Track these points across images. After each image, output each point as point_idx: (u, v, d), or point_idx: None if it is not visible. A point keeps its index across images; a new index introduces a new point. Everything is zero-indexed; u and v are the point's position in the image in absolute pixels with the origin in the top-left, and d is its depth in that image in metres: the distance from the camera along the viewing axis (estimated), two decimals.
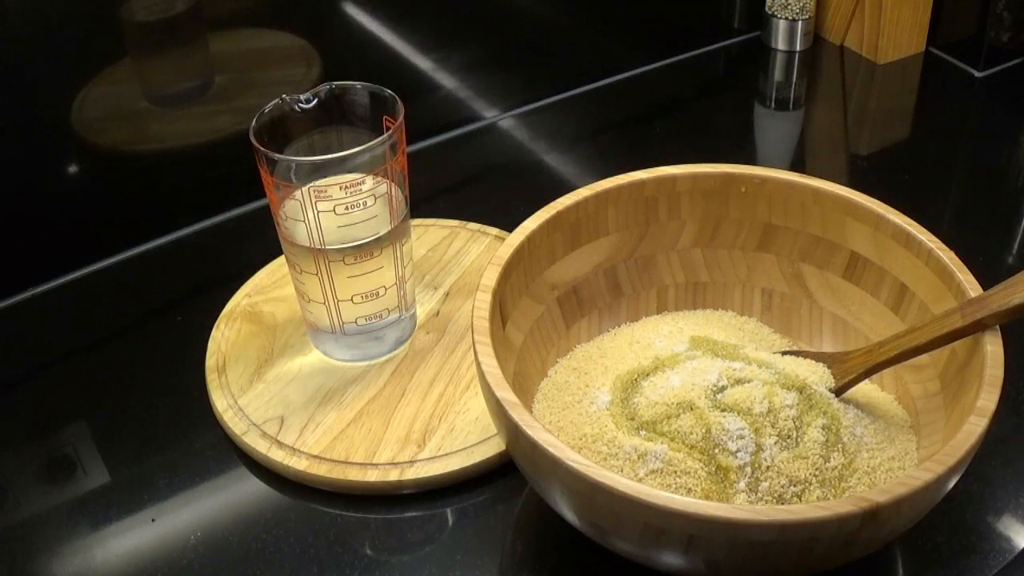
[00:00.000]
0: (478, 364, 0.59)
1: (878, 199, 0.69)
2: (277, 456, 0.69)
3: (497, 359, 0.59)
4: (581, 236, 0.71)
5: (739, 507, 0.50)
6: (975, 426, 0.54)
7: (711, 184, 0.71)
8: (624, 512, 0.52)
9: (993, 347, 0.58)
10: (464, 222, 0.88)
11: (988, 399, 0.55)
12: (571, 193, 0.69)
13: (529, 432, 0.54)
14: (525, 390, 0.67)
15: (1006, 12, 1.06)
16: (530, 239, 0.67)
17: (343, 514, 0.68)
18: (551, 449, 0.53)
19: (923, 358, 0.66)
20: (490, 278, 0.64)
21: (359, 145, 0.67)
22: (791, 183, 0.70)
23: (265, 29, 0.90)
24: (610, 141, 1.04)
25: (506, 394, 0.56)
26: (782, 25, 1.13)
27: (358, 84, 0.71)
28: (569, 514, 0.57)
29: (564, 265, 0.70)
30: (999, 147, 1.02)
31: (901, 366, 0.67)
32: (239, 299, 0.81)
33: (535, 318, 0.69)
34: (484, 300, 0.62)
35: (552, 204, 0.69)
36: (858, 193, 0.69)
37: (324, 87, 0.71)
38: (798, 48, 1.14)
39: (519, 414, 0.55)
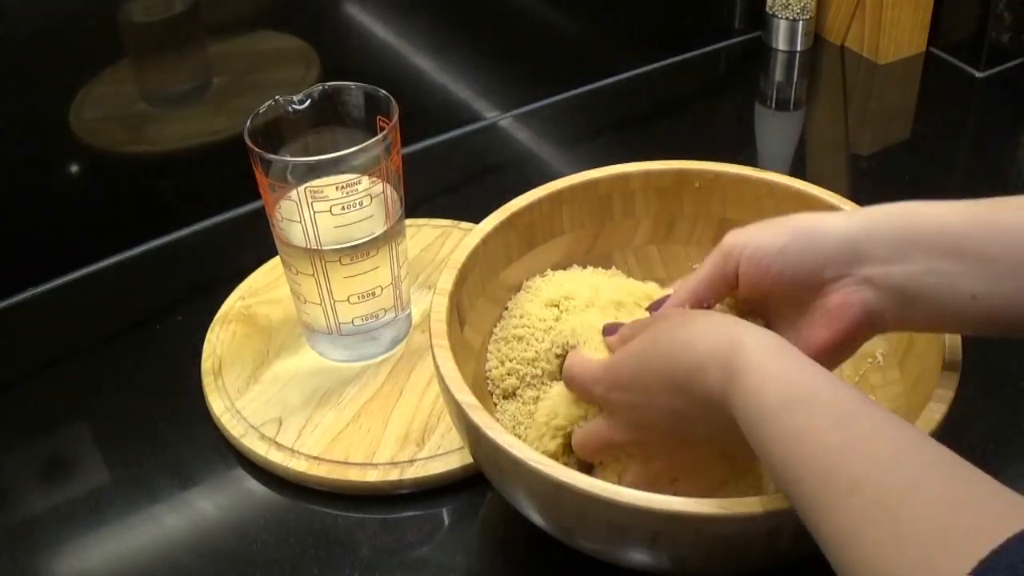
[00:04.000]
0: (437, 368, 0.59)
1: (878, 200, 0.68)
2: (276, 458, 0.69)
3: (456, 362, 0.58)
4: (536, 237, 0.70)
5: (701, 501, 0.50)
6: (934, 412, 0.54)
7: (664, 181, 0.71)
8: (588, 511, 0.52)
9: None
10: (457, 221, 0.88)
11: (947, 385, 0.56)
12: (525, 194, 0.69)
13: (490, 434, 0.54)
14: (488, 392, 0.68)
15: (1006, 12, 1.05)
16: (485, 241, 0.67)
17: (343, 514, 0.68)
18: (513, 451, 0.52)
19: (881, 347, 0.67)
20: (446, 281, 0.64)
21: (354, 145, 0.67)
22: (744, 177, 0.70)
23: (263, 31, 0.90)
24: (610, 141, 1.04)
25: (466, 397, 0.56)
26: (783, 25, 1.13)
27: (352, 84, 0.71)
28: (534, 515, 0.57)
29: (520, 266, 0.70)
30: (999, 147, 1.01)
31: (861, 356, 0.67)
32: (233, 302, 0.81)
33: (493, 320, 0.69)
34: (441, 304, 0.62)
35: (506, 205, 0.68)
36: (812, 185, 0.69)
37: (317, 88, 0.71)
38: (799, 48, 1.14)
39: (480, 416, 0.55)
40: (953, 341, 0.58)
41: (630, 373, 0.53)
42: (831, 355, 0.53)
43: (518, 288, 0.71)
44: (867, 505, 0.39)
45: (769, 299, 0.56)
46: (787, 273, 0.53)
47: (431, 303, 0.62)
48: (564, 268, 0.73)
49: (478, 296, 0.67)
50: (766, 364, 0.46)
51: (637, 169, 0.71)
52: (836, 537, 0.40)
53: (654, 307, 0.61)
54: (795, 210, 0.68)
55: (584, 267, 0.73)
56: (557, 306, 0.67)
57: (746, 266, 0.54)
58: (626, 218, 0.72)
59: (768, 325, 0.57)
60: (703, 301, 0.58)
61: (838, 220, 0.53)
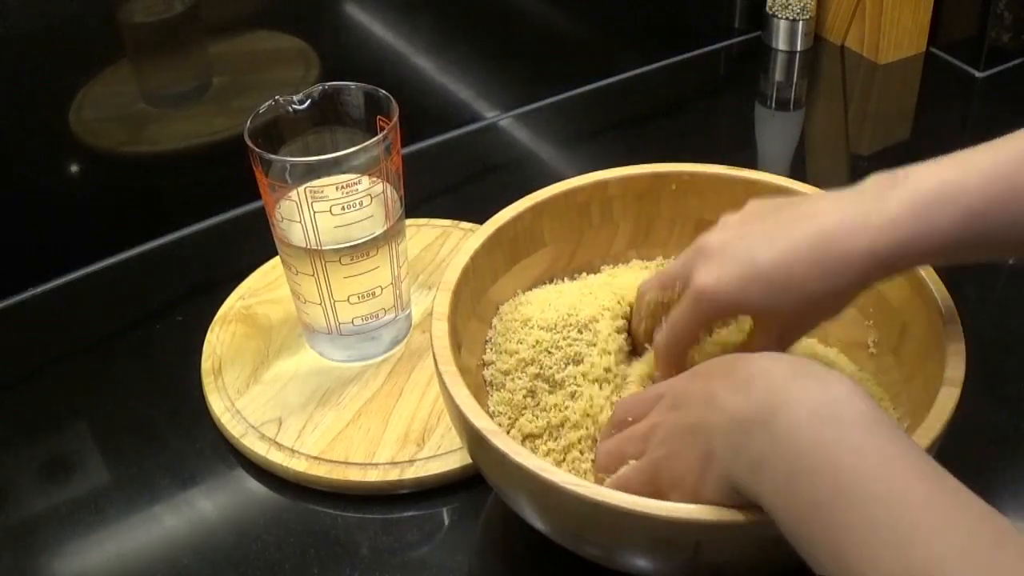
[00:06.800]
0: (449, 396, 0.57)
1: None
2: (276, 458, 0.69)
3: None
4: (520, 251, 0.70)
5: (744, 508, 0.49)
6: (948, 397, 0.55)
7: (642, 185, 0.71)
8: (627, 528, 0.51)
9: (947, 307, 0.59)
10: (457, 221, 0.88)
11: (956, 369, 0.56)
12: (508, 207, 0.69)
13: (517, 459, 0.52)
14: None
15: (1007, 12, 1.05)
16: (474, 259, 0.66)
17: (343, 514, 0.68)
18: (545, 474, 0.51)
19: (873, 335, 0.67)
20: (442, 304, 0.62)
21: (353, 145, 0.67)
22: (721, 176, 0.70)
23: (263, 31, 0.90)
24: (610, 141, 1.04)
25: (486, 423, 0.55)
26: (783, 25, 1.13)
27: (352, 84, 0.71)
28: (563, 537, 0.56)
29: (505, 282, 0.70)
30: None
31: (854, 345, 0.68)
32: (232, 302, 0.81)
33: (483, 340, 0.68)
34: (442, 328, 0.60)
35: (491, 221, 0.68)
36: (791, 180, 0.69)
37: (317, 88, 0.71)
38: (799, 48, 1.14)
39: (504, 443, 0.53)
40: (951, 322, 0.59)
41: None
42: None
43: (503, 304, 0.70)
44: None
45: None
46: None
47: (431, 329, 0.61)
48: (546, 281, 0.72)
49: (470, 317, 0.66)
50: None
51: (615, 175, 0.71)
52: None
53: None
54: None
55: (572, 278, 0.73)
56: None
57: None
58: (605, 225, 0.72)
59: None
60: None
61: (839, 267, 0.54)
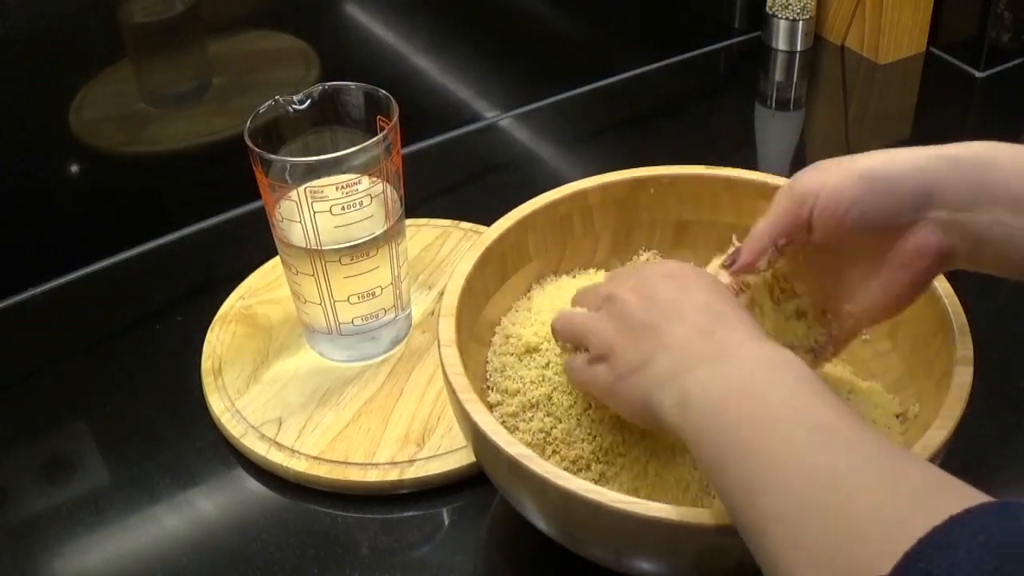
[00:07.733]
0: (475, 427, 0.56)
1: None
2: (276, 458, 0.69)
3: None
4: (508, 268, 0.70)
5: None
6: (963, 376, 0.55)
7: (620, 191, 0.71)
8: (679, 540, 0.51)
9: (946, 290, 0.60)
10: (457, 221, 0.88)
11: (965, 347, 0.57)
12: (494, 225, 0.68)
13: (560, 483, 0.52)
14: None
15: (1007, 12, 1.06)
16: (468, 281, 0.65)
17: (343, 514, 0.68)
18: (591, 495, 0.51)
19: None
20: (448, 330, 0.61)
21: (353, 145, 0.67)
22: (699, 176, 0.71)
23: (263, 31, 0.90)
24: (610, 141, 1.04)
25: (520, 449, 0.54)
26: (783, 25, 1.13)
27: (352, 84, 0.71)
28: (602, 553, 0.56)
29: (497, 300, 0.69)
30: None
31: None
32: (232, 302, 0.81)
33: (483, 362, 0.68)
34: (453, 355, 0.60)
35: (479, 240, 0.67)
36: (768, 175, 0.70)
37: (317, 88, 0.71)
38: (799, 48, 1.14)
39: (546, 469, 0.53)
40: (952, 302, 0.60)
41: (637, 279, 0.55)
42: (909, 295, 0.56)
43: (496, 324, 0.70)
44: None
45: (843, 244, 0.56)
46: (862, 220, 0.53)
47: (441, 358, 0.60)
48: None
49: (470, 341, 0.65)
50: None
51: (594, 184, 0.70)
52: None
53: (730, 259, 0.59)
54: (753, 201, 0.68)
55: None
56: None
57: (821, 212, 0.54)
58: (587, 236, 0.72)
59: (841, 270, 0.57)
60: (776, 243, 0.58)
61: (908, 164, 0.53)
